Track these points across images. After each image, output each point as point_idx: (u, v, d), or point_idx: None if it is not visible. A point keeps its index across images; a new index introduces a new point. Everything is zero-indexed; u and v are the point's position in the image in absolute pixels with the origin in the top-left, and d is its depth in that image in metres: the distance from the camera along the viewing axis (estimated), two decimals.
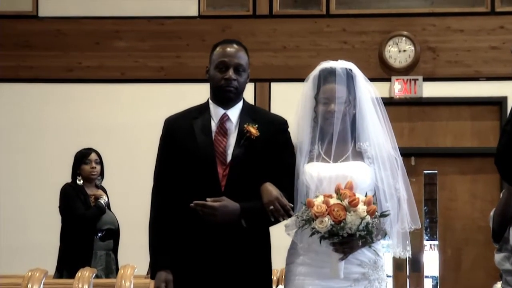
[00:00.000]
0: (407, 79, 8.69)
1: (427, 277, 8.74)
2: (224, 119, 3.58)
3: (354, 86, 3.65)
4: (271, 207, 3.41)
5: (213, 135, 3.56)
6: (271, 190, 3.46)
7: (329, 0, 8.86)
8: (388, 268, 8.33)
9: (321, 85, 3.65)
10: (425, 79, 8.69)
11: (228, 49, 3.60)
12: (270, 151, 3.54)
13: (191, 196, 3.43)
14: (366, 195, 3.46)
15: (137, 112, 8.75)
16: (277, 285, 5.64)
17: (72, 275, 5.48)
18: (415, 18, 8.81)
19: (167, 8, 8.95)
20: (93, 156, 6.48)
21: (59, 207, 6.40)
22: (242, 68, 3.58)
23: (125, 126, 8.75)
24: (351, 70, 3.67)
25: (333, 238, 3.39)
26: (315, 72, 3.70)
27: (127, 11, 8.95)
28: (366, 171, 3.59)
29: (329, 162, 3.60)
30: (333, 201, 3.41)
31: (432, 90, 8.70)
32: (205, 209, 3.40)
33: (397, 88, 8.67)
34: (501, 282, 3.90)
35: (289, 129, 3.67)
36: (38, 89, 8.91)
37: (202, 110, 3.63)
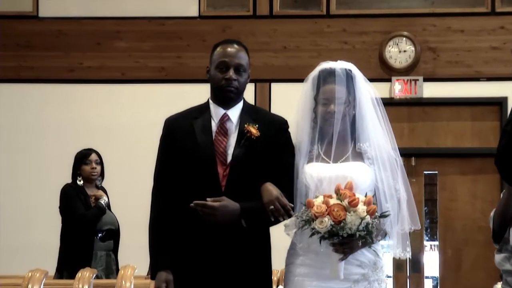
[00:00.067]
0: (408, 80, 8.69)
1: (427, 277, 8.74)
2: (224, 119, 3.58)
3: (354, 87, 3.65)
4: (271, 206, 3.41)
5: (214, 135, 3.56)
6: (271, 190, 3.46)
7: (330, 1, 8.86)
8: (388, 268, 8.33)
9: (321, 85, 3.65)
10: (425, 80, 8.69)
11: (229, 49, 3.60)
12: (271, 151, 3.54)
13: (191, 196, 3.43)
14: (366, 195, 3.46)
15: (138, 112, 8.75)
16: (277, 286, 5.64)
17: (72, 276, 5.48)
18: (415, 18, 8.81)
19: (167, 8, 8.95)
20: (93, 156, 6.48)
21: (59, 207, 6.40)
22: (243, 68, 3.58)
23: (125, 127, 8.75)
24: (351, 71, 3.67)
25: (333, 238, 3.39)
26: (315, 72, 3.70)
27: (128, 12, 8.96)
28: (366, 171, 3.59)
29: (329, 163, 3.60)
30: (333, 201, 3.41)
31: (432, 90, 8.69)
32: (205, 209, 3.40)
33: (398, 88, 8.67)
34: (501, 282, 3.90)
35: (289, 129, 3.67)
36: (39, 90, 8.91)
37: (202, 110, 3.63)
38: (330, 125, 3.62)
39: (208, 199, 3.41)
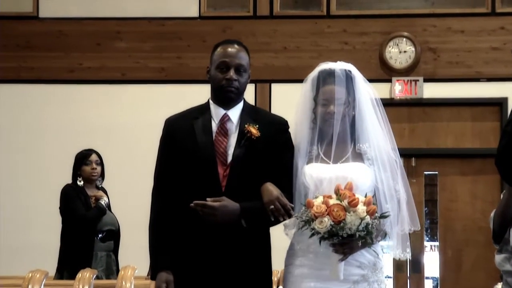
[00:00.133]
0: (408, 80, 8.69)
1: (427, 278, 8.73)
2: (224, 119, 3.58)
3: (353, 87, 3.65)
4: (272, 206, 3.41)
5: (214, 135, 3.56)
6: (271, 189, 3.46)
7: (330, 1, 8.86)
8: (388, 269, 8.33)
9: (320, 86, 3.65)
10: (425, 80, 8.69)
11: (229, 49, 3.60)
12: (271, 151, 3.54)
13: (192, 196, 3.43)
14: (366, 196, 3.46)
15: (138, 112, 8.75)
16: (277, 286, 5.63)
17: (72, 276, 5.49)
18: (415, 19, 8.81)
19: (167, 9, 8.95)
20: (93, 157, 6.48)
21: (60, 208, 6.41)
22: (243, 68, 3.58)
23: (125, 127, 8.75)
24: (350, 71, 3.67)
25: (333, 238, 3.39)
26: (314, 73, 3.70)
27: (128, 12, 8.96)
28: (366, 172, 3.59)
29: (328, 163, 3.60)
30: (333, 201, 3.41)
31: (432, 91, 8.69)
32: (205, 209, 3.40)
33: (398, 89, 8.67)
34: (501, 283, 3.90)
35: (289, 130, 3.67)
36: (39, 90, 8.91)
37: (202, 111, 3.63)
38: (329, 125, 3.61)
39: (208, 199, 3.41)
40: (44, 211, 8.14)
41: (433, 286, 8.87)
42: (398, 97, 8.65)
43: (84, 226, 6.25)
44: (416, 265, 8.61)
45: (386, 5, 8.92)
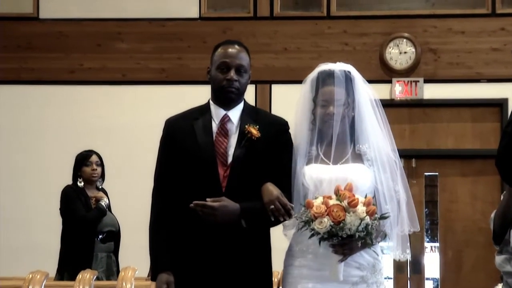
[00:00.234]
0: (408, 81, 8.69)
1: (427, 279, 8.73)
2: (225, 120, 3.58)
3: (353, 88, 3.65)
4: (272, 206, 3.40)
5: (214, 136, 3.55)
6: (271, 189, 3.46)
7: (330, 2, 8.86)
8: (388, 270, 8.32)
9: (320, 87, 3.64)
10: (426, 81, 8.69)
11: (230, 50, 3.59)
12: (271, 152, 3.54)
13: (192, 197, 3.43)
14: (365, 197, 3.46)
15: (138, 113, 8.76)
16: (277, 287, 5.63)
17: (73, 277, 5.49)
18: (416, 19, 8.81)
19: (168, 10, 8.96)
20: (94, 158, 6.48)
21: (60, 209, 6.41)
22: (244, 69, 3.58)
23: (126, 128, 8.75)
24: (350, 72, 3.67)
25: (333, 239, 3.38)
26: (313, 74, 3.69)
27: (129, 13, 8.96)
28: (366, 173, 3.58)
29: (328, 164, 3.60)
30: (333, 202, 3.40)
31: (433, 91, 8.70)
32: (204, 209, 3.40)
33: (398, 89, 8.67)
34: (501, 284, 3.90)
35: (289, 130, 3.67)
36: (40, 91, 8.91)
37: (203, 111, 3.63)
38: (329, 126, 3.61)
39: (207, 199, 3.41)
40: (45, 212, 8.14)
41: (433, 287, 8.87)
42: (398, 98, 8.65)
43: (85, 227, 6.26)
44: (417, 266, 8.61)
45: (387, 6, 8.93)
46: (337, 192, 3.44)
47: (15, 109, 8.87)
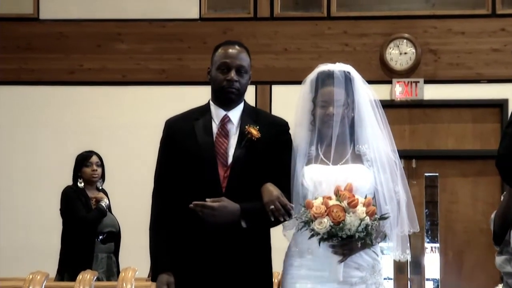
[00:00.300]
0: (408, 82, 8.69)
1: (428, 279, 8.73)
2: (225, 120, 3.58)
3: (353, 89, 3.64)
4: (272, 206, 3.40)
5: (214, 136, 3.55)
6: (271, 190, 3.46)
7: (330, 3, 8.86)
8: (389, 270, 8.33)
9: (319, 88, 3.64)
10: (426, 82, 8.70)
11: (230, 50, 3.59)
12: (271, 152, 3.54)
13: (192, 197, 3.42)
14: (365, 197, 3.46)
15: (139, 114, 8.76)
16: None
17: (73, 278, 5.49)
18: (416, 20, 8.81)
19: (168, 10, 8.96)
20: (94, 158, 6.48)
21: (60, 209, 6.41)
22: (244, 69, 3.58)
23: (126, 129, 8.75)
24: (349, 73, 3.66)
25: (332, 239, 3.38)
26: (313, 75, 3.69)
27: (129, 14, 8.97)
28: (366, 174, 3.58)
29: (328, 165, 3.59)
30: (332, 202, 3.40)
31: (433, 92, 8.70)
32: (204, 209, 3.40)
33: (398, 90, 8.67)
34: (502, 285, 3.90)
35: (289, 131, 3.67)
36: (40, 92, 8.91)
37: (203, 112, 3.63)
38: (329, 127, 3.61)
39: (207, 199, 3.40)
40: (45, 213, 8.15)
41: None
42: (398, 99, 8.65)
43: (85, 227, 6.25)
44: (417, 266, 8.61)
45: (387, 7, 8.93)
46: (337, 193, 3.44)
47: (15, 110, 8.88)
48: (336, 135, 3.60)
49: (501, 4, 8.77)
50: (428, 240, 8.80)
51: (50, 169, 8.58)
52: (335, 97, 3.59)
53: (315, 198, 3.47)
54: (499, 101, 8.63)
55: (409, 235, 3.67)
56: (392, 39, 8.73)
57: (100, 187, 6.53)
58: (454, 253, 8.67)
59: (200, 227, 3.45)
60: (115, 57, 8.89)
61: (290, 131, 3.66)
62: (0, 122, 8.87)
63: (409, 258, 3.68)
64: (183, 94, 8.37)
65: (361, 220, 3.37)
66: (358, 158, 3.62)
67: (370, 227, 3.38)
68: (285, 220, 3.49)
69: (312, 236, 3.40)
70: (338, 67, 3.66)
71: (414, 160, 8.66)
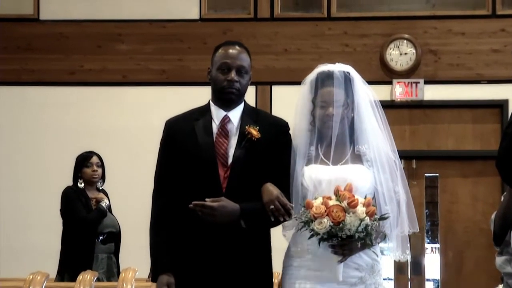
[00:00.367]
0: (409, 82, 8.69)
1: (428, 280, 8.73)
2: (225, 120, 3.58)
3: (352, 89, 3.65)
4: (272, 206, 3.40)
5: (214, 136, 3.55)
6: (271, 189, 3.46)
7: (330, 3, 8.86)
8: (389, 271, 8.33)
9: (319, 88, 3.64)
10: (426, 82, 8.70)
11: (231, 50, 3.59)
12: (271, 152, 3.54)
13: (192, 198, 3.42)
14: (365, 197, 3.46)
15: (139, 115, 8.76)
16: None
17: (73, 278, 5.49)
18: (416, 21, 8.81)
19: (168, 11, 8.96)
20: (94, 159, 6.48)
21: (61, 210, 6.41)
22: (244, 70, 3.58)
23: (126, 129, 8.75)
24: (349, 73, 3.66)
25: (332, 239, 3.39)
26: (313, 75, 3.69)
27: (129, 14, 8.97)
28: (366, 174, 3.58)
29: (328, 165, 3.60)
30: (332, 202, 3.40)
31: (433, 93, 8.70)
32: (204, 209, 3.40)
33: (399, 91, 8.67)
34: (502, 285, 3.90)
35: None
36: (40, 92, 8.91)
37: (203, 112, 3.63)
38: (328, 127, 3.61)
39: (206, 199, 3.40)
40: (45, 213, 8.14)
41: None
42: (398, 99, 8.65)
43: (85, 228, 6.25)
44: (417, 267, 8.61)
45: (387, 7, 8.93)
46: (336, 193, 3.44)
47: (15, 110, 8.88)
48: (335, 135, 3.60)
49: (501, 5, 8.77)
50: (428, 240, 8.80)
51: (50, 169, 8.58)
52: (335, 97, 3.60)
53: (315, 198, 3.47)
54: (499, 102, 8.63)
55: (409, 236, 3.67)
56: (392, 40, 8.73)
57: (100, 188, 6.53)
58: (454, 253, 8.67)
59: (200, 227, 3.45)
60: (116, 58, 8.89)
61: (290, 131, 3.66)
62: (0, 122, 8.87)
63: (409, 258, 3.68)
64: (184, 95, 8.37)
65: (361, 220, 3.37)
66: (358, 158, 3.62)
67: (370, 227, 3.39)
68: (285, 220, 3.48)
69: (312, 236, 3.40)
70: (337, 68, 3.66)
71: (414, 160, 8.66)
